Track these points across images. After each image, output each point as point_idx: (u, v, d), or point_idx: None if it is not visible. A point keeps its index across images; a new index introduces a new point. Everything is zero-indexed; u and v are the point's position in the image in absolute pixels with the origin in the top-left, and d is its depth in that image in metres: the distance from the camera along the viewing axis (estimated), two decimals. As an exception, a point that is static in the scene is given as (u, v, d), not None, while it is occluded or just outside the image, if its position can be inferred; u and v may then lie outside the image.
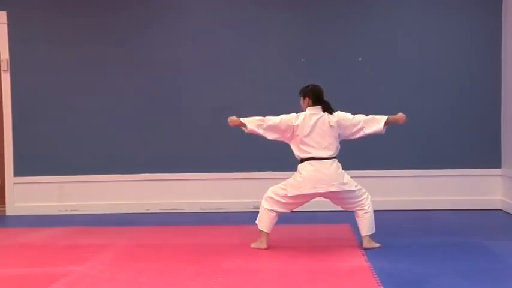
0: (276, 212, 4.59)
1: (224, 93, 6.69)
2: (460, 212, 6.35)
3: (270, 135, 4.63)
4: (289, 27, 6.69)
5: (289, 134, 4.57)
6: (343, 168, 5.93)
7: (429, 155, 6.55)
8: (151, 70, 6.71)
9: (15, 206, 6.86)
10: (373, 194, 6.62)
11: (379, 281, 3.56)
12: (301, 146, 4.54)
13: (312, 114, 4.56)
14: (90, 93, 6.79)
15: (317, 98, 4.62)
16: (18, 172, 6.84)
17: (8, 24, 6.77)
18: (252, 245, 4.64)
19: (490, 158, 6.50)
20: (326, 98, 4.64)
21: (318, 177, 4.48)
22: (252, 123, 4.60)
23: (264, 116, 4.48)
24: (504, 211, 6.32)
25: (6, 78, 6.80)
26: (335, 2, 6.67)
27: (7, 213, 6.85)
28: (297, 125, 4.52)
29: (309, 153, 4.52)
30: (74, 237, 5.34)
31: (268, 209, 4.57)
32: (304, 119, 4.53)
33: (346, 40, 6.64)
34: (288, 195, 4.52)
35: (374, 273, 3.75)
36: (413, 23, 6.62)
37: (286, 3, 6.67)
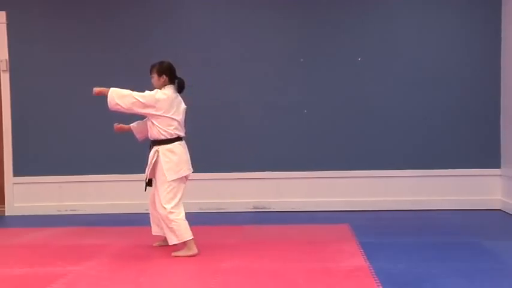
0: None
1: (224, 93, 6.69)
2: (460, 212, 6.34)
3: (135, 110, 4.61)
4: (289, 27, 6.68)
5: (152, 110, 4.51)
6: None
7: (429, 155, 6.55)
8: (151, 70, 6.70)
9: (14, 206, 6.86)
10: (373, 194, 6.68)
11: (378, 281, 3.56)
12: (170, 123, 4.51)
13: (174, 92, 4.57)
14: (90, 93, 6.75)
15: (174, 75, 4.61)
16: (17, 172, 6.84)
17: (8, 24, 6.77)
18: (178, 254, 4.42)
19: (489, 158, 6.49)
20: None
21: (187, 158, 4.57)
22: (116, 95, 4.56)
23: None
24: (504, 211, 6.32)
25: (6, 79, 6.79)
26: (334, 2, 6.67)
27: (6, 213, 6.85)
28: (163, 101, 4.47)
29: (177, 132, 4.55)
30: (73, 237, 5.34)
31: (182, 218, 4.45)
32: (169, 96, 4.51)
33: (346, 40, 6.63)
34: (168, 180, 4.42)
35: (373, 273, 3.75)
36: (413, 23, 6.61)
37: (285, 3, 6.67)
